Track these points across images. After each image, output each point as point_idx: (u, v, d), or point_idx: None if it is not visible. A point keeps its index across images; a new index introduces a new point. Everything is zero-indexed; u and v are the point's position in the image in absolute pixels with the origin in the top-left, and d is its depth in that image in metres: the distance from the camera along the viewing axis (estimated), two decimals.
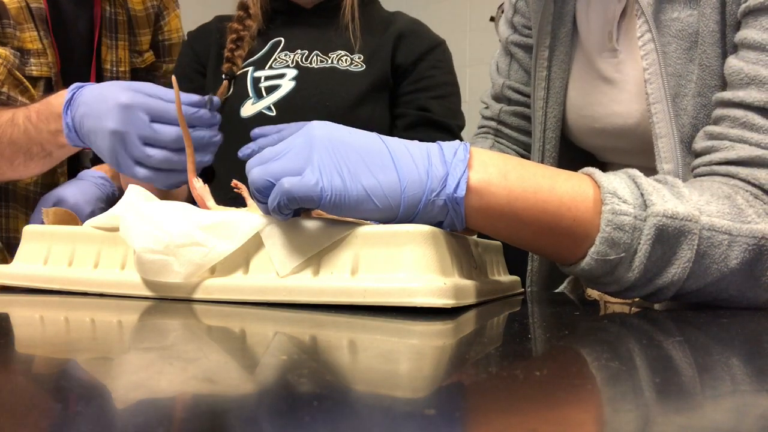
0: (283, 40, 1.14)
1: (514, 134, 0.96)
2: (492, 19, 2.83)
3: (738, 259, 0.51)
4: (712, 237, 0.51)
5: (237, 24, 1.14)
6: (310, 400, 0.22)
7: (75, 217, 0.67)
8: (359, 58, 1.12)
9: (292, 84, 1.09)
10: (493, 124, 0.97)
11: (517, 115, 0.95)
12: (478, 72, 2.95)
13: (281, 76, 1.10)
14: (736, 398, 0.25)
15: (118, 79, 1.20)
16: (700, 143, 0.62)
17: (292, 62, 1.11)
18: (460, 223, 0.50)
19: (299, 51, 1.13)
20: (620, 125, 0.76)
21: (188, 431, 0.19)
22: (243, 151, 0.73)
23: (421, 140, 0.52)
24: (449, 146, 0.50)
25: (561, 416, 0.22)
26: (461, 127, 1.11)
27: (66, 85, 1.03)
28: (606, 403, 0.24)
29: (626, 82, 0.75)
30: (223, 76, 1.11)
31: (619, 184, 0.51)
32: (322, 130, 0.49)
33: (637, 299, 0.56)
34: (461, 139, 0.91)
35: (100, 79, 1.19)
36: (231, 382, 0.26)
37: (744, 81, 0.59)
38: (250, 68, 1.11)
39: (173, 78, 0.70)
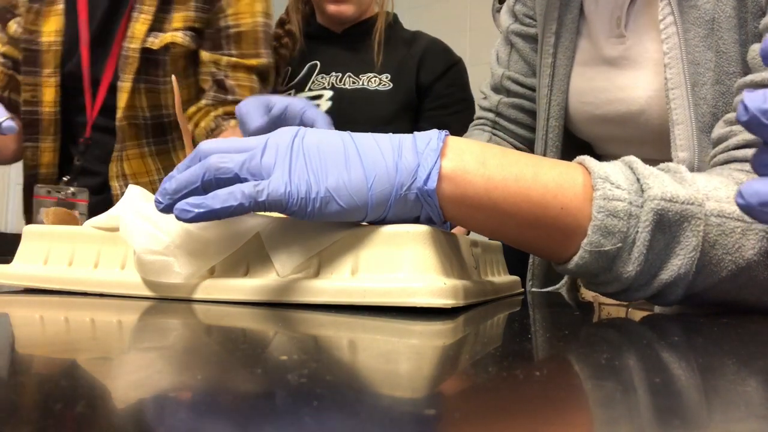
0: (318, 63, 1.24)
1: (512, 127, 0.94)
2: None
3: (755, 249, 0.46)
4: (722, 224, 0.46)
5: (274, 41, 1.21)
6: (310, 400, 0.22)
7: (75, 217, 0.68)
8: (386, 77, 1.22)
9: (329, 104, 1.18)
10: (491, 115, 0.95)
11: (515, 107, 0.93)
12: (478, 72, 2.93)
13: (319, 97, 1.20)
14: (736, 394, 0.25)
15: (128, 58, 1.05)
16: (717, 131, 0.58)
17: (328, 84, 1.21)
18: (437, 217, 0.47)
19: (334, 73, 1.22)
20: (623, 112, 0.74)
21: (188, 431, 0.19)
22: None
23: None
24: (423, 136, 0.47)
25: (561, 416, 0.22)
26: None
27: (90, 55, 1.11)
28: (606, 403, 0.24)
29: (631, 68, 0.73)
30: None
31: (612, 169, 0.47)
32: (289, 134, 0.46)
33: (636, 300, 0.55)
34: None
35: (119, 52, 1.07)
36: (231, 383, 0.26)
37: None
38: (292, 92, 1.21)
39: (173, 78, 0.70)
